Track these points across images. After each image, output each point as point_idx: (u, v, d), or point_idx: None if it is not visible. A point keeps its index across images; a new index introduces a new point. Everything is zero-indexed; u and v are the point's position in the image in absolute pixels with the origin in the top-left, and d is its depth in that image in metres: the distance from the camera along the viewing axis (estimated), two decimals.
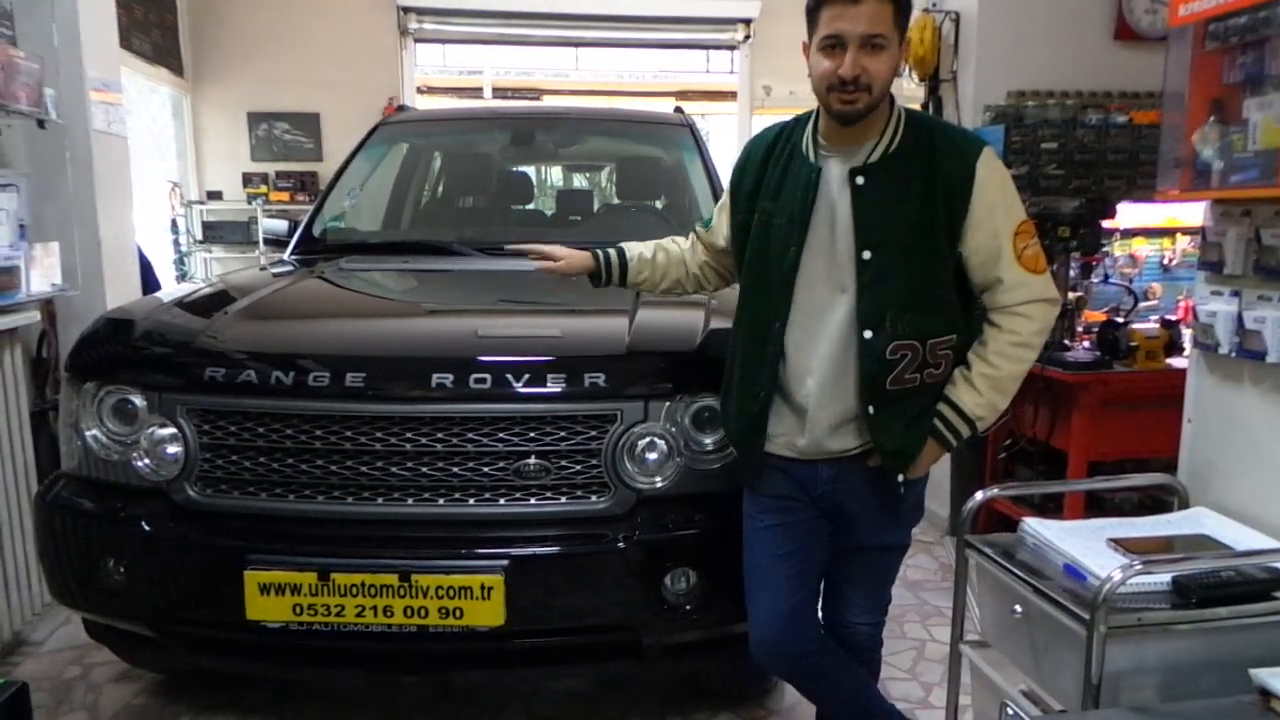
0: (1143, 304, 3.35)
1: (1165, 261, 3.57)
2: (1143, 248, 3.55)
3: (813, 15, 1.49)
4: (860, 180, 1.51)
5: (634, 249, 1.87)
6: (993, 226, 1.51)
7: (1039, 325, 1.54)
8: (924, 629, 2.81)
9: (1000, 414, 1.59)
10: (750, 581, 1.71)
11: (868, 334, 1.51)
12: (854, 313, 1.53)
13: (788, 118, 1.69)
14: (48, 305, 2.88)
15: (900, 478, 1.59)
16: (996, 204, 1.52)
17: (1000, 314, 1.55)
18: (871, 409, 1.54)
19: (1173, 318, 3.15)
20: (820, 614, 1.81)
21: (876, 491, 1.62)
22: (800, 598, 1.68)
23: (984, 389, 1.54)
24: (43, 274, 2.68)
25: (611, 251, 1.86)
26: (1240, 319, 1.68)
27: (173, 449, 1.87)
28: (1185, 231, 3.50)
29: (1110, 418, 2.87)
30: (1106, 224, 3.02)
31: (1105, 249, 3.25)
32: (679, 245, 1.88)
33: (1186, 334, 2.87)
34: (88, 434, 1.93)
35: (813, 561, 1.70)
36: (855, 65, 1.43)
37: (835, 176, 1.54)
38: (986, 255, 1.52)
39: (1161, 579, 1.41)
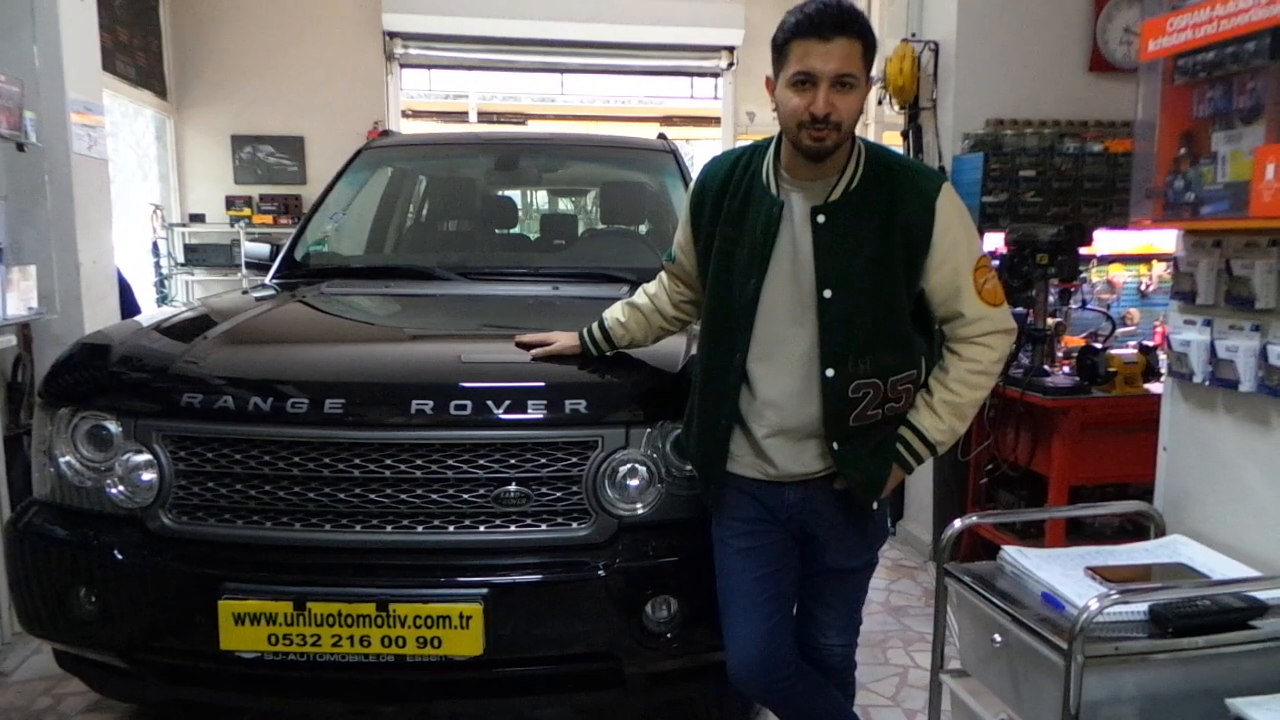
0: (1120, 329, 3.39)
1: (1142, 287, 3.61)
2: (1120, 274, 3.59)
3: (781, 50, 1.48)
4: (821, 219, 1.52)
5: (610, 318, 1.92)
6: (954, 264, 1.54)
7: (998, 354, 1.58)
8: (907, 655, 2.80)
9: (958, 438, 1.63)
10: (726, 607, 1.70)
11: (830, 372, 1.52)
12: (815, 349, 1.54)
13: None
14: (24, 329, 2.85)
15: (875, 505, 1.62)
16: (958, 242, 1.54)
17: (961, 343, 1.58)
18: (836, 445, 1.56)
19: (1150, 343, 3.18)
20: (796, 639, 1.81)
21: (845, 514, 1.63)
22: (777, 620, 1.67)
23: (945, 415, 1.57)
24: (19, 297, 2.66)
25: (594, 326, 1.93)
26: (1213, 348, 1.70)
27: (147, 476, 1.84)
28: (1161, 258, 3.55)
29: (1090, 442, 2.89)
30: (1084, 250, 3.05)
31: (1083, 275, 3.29)
32: (647, 296, 1.91)
33: (1163, 359, 2.90)
34: (61, 460, 1.90)
35: (786, 584, 1.70)
36: (827, 103, 1.43)
37: (798, 212, 1.55)
38: (949, 291, 1.55)
39: (1138, 608, 1.42)
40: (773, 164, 1.58)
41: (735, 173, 1.63)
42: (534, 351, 1.95)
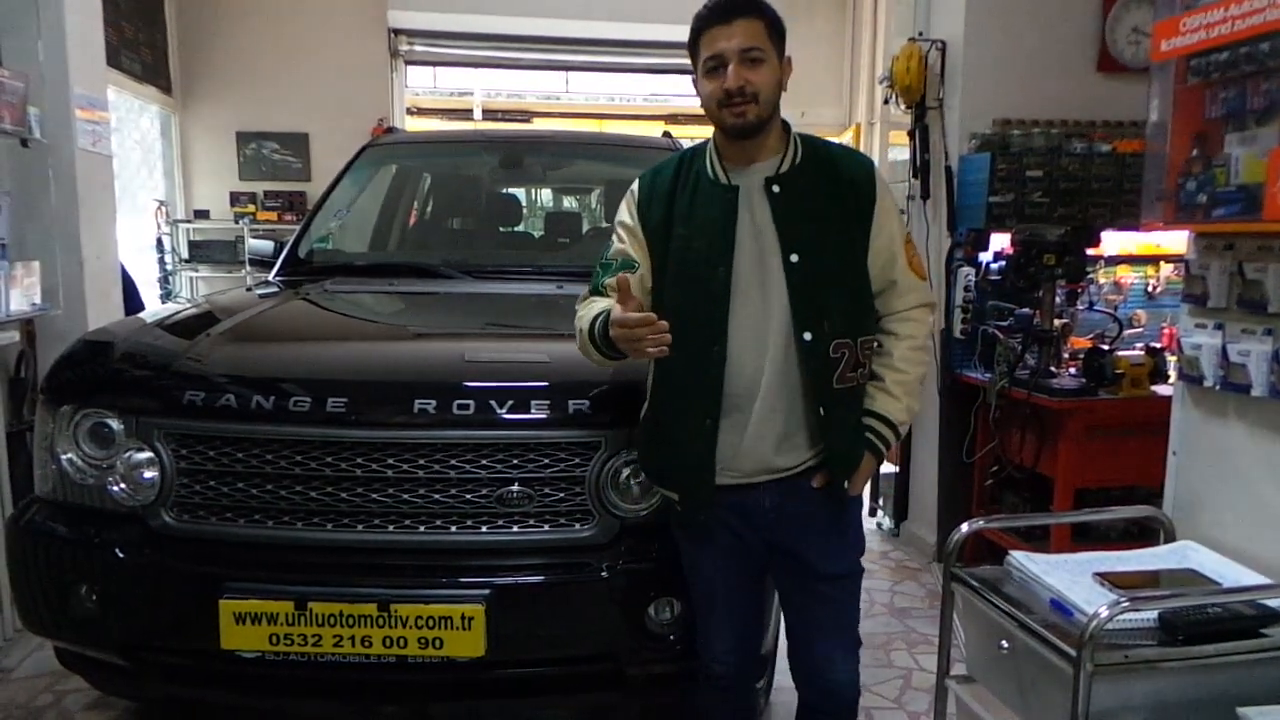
0: (1127, 331, 3.37)
1: (1149, 289, 3.59)
2: (1127, 275, 3.57)
3: (694, 46, 1.58)
4: (776, 189, 1.56)
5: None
6: (890, 231, 1.62)
7: (927, 329, 1.67)
8: (910, 657, 2.79)
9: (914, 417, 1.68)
10: (702, 616, 1.73)
11: (807, 336, 1.53)
12: (788, 318, 1.54)
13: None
14: (27, 325, 2.85)
15: (846, 484, 1.60)
16: (891, 210, 1.62)
17: (895, 320, 1.64)
18: (823, 410, 1.56)
19: (1157, 345, 3.16)
20: (793, 677, 1.75)
21: (823, 511, 1.61)
22: (753, 629, 1.73)
23: (901, 395, 1.62)
24: (22, 293, 2.66)
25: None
26: (1224, 352, 1.68)
27: (149, 474, 1.83)
28: (1168, 259, 3.53)
29: (1096, 444, 2.87)
30: (1091, 251, 3.03)
31: (1090, 276, 3.27)
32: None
33: (1171, 361, 2.88)
34: (63, 457, 1.89)
35: (759, 592, 1.75)
36: (738, 77, 1.50)
37: (749, 192, 1.58)
38: (886, 258, 1.61)
39: (1148, 615, 1.40)
40: (715, 158, 1.62)
41: (680, 174, 1.65)
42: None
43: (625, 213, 1.70)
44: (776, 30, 1.55)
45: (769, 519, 1.62)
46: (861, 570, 1.73)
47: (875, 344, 1.63)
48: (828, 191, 1.58)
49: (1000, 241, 3.23)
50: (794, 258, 1.54)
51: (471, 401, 1.79)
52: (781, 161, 1.59)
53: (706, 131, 1.69)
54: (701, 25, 1.54)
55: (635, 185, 1.71)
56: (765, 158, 1.59)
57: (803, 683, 1.74)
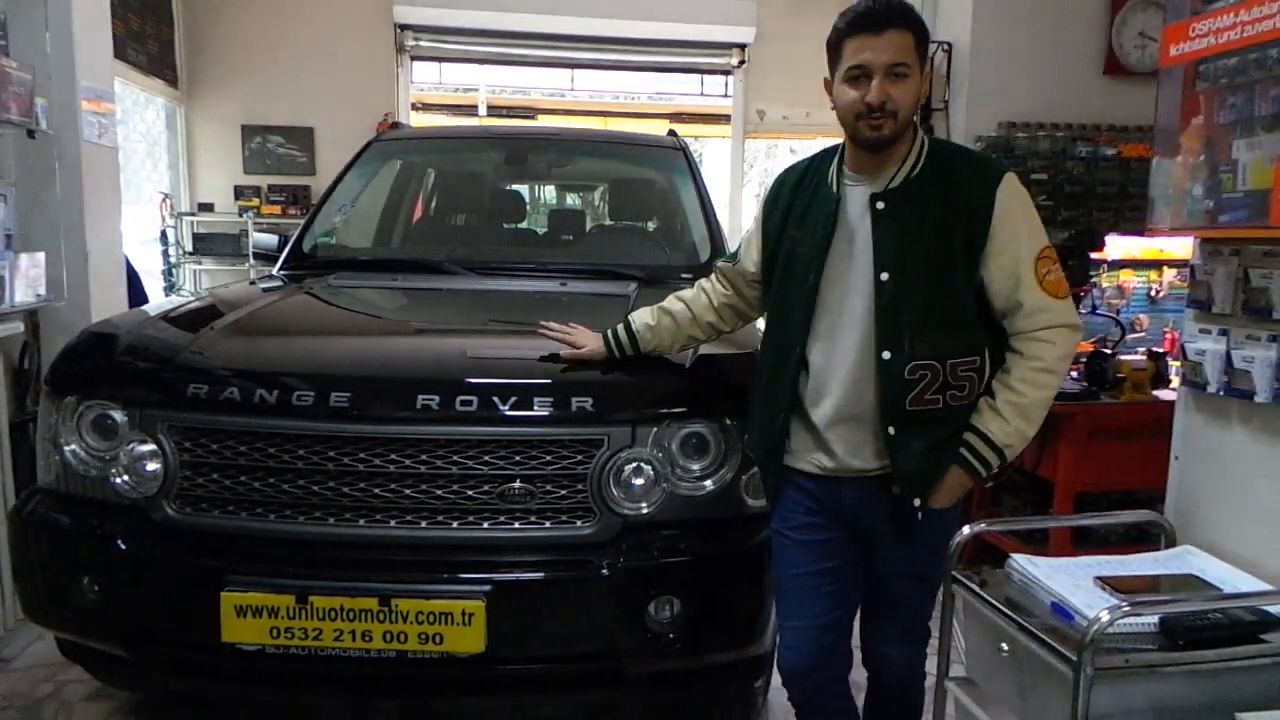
0: (1130, 335, 3.37)
1: (1152, 293, 3.59)
2: (1130, 279, 3.57)
3: (835, 49, 1.53)
4: (880, 205, 1.55)
5: (639, 321, 1.91)
6: (1014, 252, 1.53)
7: (1062, 351, 1.55)
8: None
9: (1028, 442, 1.58)
10: (781, 601, 1.73)
11: (886, 354, 1.53)
12: (872, 333, 1.54)
13: (799, 144, 1.73)
14: (31, 316, 2.85)
15: (917, 502, 1.58)
16: (1018, 229, 1.54)
17: (1022, 340, 1.55)
18: (891, 430, 1.55)
19: (1160, 349, 3.16)
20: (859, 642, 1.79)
21: (899, 518, 1.61)
22: (832, 620, 1.69)
23: (1011, 416, 1.54)
24: (27, 284, 2.66)
25: (619, 329, 1.91)
26: (1229, 358, 1.68)
27: (152, 466, 1.84)
28: (1171, 264, 3.54)
29: (1097, 448, 2.87)
30: (1095, 255, 3.04)
31: (1093, 280, 3.27)
32: (682, 301, 1.90)
33: (1173, 366, 2.88)
34: (66, 449, 1.90)
35: (844, 581, 1.70)
36: (882, 92, 1.47)
37: (857, 204, 1.58)
38: (1008, 280, 1.53)
39: (1149, 620, 1.40)
40: (837, 164, 1.62)
41: (805, 178, 1.68)
42: (564, 354, 1.93)
43: (760, 202, 1.78)
44: (922, 44, 1.51)
45: (850, 512, 1.64)
46: (938, 576, 1.70)
47: (980, 366, 1.56)
48: (937, 209, 1.53)
49: None
50: (884, 275, 1.53)
51: (474, 398, 1.79)
52: (897, 174, 1.55)
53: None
54: (850, 31, 1.49)
55: (777, 176, 1.76)
56: (889, 167, 1.56)
57: (865, 662, 1.79)
